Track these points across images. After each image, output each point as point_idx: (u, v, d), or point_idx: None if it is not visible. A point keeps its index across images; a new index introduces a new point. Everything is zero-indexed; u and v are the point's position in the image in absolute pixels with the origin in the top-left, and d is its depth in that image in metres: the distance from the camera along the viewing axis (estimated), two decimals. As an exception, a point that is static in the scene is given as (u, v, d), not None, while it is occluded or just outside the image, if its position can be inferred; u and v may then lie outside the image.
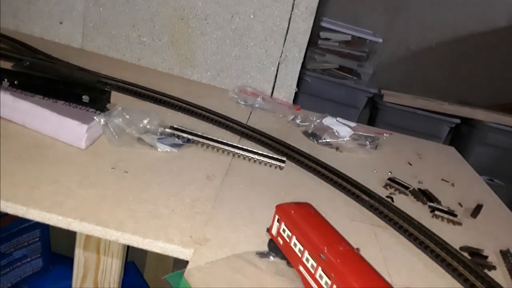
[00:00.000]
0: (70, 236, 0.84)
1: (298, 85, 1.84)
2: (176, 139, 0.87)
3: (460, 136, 2.43)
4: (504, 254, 0.79)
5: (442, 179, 1.08)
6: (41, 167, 0.68)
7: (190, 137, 0.89)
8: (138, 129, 0.82)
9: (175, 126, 0.90)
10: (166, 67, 1.36)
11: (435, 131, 2.31)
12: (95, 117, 0.80)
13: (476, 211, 0.93)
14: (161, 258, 1.36)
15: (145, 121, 0.84)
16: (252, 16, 1.27)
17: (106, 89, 0.92)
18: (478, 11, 2.42)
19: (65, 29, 1.36)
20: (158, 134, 0.85)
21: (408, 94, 2.39)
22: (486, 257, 0.75)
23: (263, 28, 1.28)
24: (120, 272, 0.84)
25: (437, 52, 2.52)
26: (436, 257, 0.70)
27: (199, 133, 0.91)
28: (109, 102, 0.92)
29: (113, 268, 0.83)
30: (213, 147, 0.90)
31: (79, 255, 0.82)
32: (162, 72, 1.37)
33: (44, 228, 1.28)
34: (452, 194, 1.01)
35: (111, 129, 0.79)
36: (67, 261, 0.96)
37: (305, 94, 2.20)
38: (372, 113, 2.46)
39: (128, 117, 0.81)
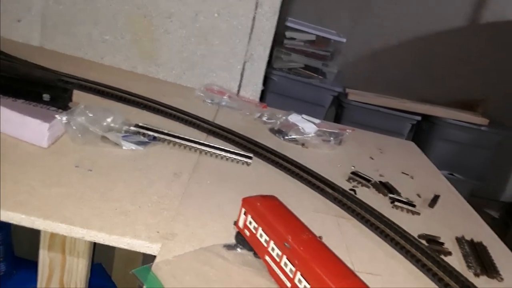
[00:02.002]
0: (33, 240, 0.83)
1: (265, 84, 1.86)
2: (142, 137, 0.86)
3: (421, 132, 2.53)
4: (459, 240, 0.83)
5: (402, 172, 1.13)
6: (2, 167, 0.66)
7: (156, 135, 0.89)
8: (102, 127, 0.81)
9: (140, 124, 0.89)
10: (130, 66, 1.35)
11: (398, 127, 2.40)
12: (57, 116, 0.78)
13: (433, 201, 0.98)
14: (129, 260, 1.34)
15: (109, 119, 0.83)
16: (216, 15, 1.28)
17: (67, 87, 0.90)
18: (437, 12, 2.52)
19: (24, 28, 1.32)
20: (123, 132, 0.85)
21: (371, 92, 2.46)
22: (443, 243, 0.80)
23: (227, 27, 1.29)
24: (86, 272, 0.83)
25: (398, 51, 2.61)
26: (395, 244, 0.73)
27: (165, 131, 0.91)
28: (71, 100, 0.90)
29: (79, 268, 0.81)
30: (180, 144, 0.90)
31: (44, 256, 0.80)
32: (126, 71, 1.35)
33: (6, 232, 1.24)
34: (411, 186, 1.06)
35: (74, 128, 0.78)
36: (31, 265, 0.93)
37: (273, 93, 2.23)
38: (338, 112, 2.52)
39: (91, 115, 0.80)
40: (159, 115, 1.04)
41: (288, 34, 2.23)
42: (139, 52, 1.31)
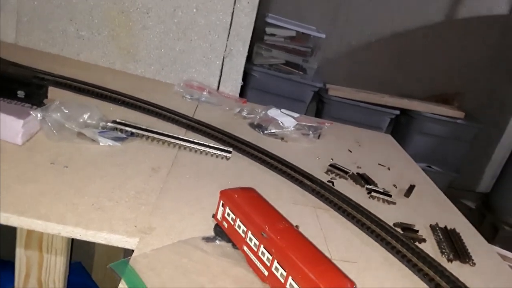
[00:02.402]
0: (10, 239, 0.81)
1: (246, 81, 1.86)
2: (119, 133, 0.86)
3: (400, 126, 2.58)
4: (433, 228, 0.86)
5: (379, 164, 1.15)
6: (-27, 164, 0.65)
7: (133, 130, 0.88)
8: (78, 123, 0.80)
9: (117, 120, 0.89)
10: (107, 62, 1.33)
11: (377, 122, 2.44)
12: (31, 112, 0.77)
13: (409, 191, 1.00)
14: (110, 258, 1.33)
15: (85, 116, 0.82)
16: (194, 10, 1.27)
17: (42, 84, 0.89)
18: (414, 8, 2.57)
19: (-3, 24, 1.29)
20: (100, 128, 0.84)
21: (351, 87, 2.49)
22: (417, 231, 0.82)
23: (206, 22, 1.29)
24: (64, 270, 0.82)
25: (376, 47, 2.65)
26: (371, 232, 0.75)
27: (143, 127, 0.90)
28: (46, 97, 0.89)
29: (57, 265, 0.81)
30: (158, 140, 0.90)
31: (21, 254, 0.79)
32: (103, 67, 1.34)
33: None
34: (388, 177, 1.08)
35: (49, 124, 0.77)
36: (8, 266, 0.92)
37: (254, 89, 2.24)
38: (318, 107, 2.54)
39: (66, 111, 0.80)
40: (137, 111, 1.04)
41: (268, 30, 2.23)
42: (116, 48, 1.30)
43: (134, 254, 0.57)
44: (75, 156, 0.76)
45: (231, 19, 1.29)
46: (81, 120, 0.82)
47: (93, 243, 1.18)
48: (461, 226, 0.90)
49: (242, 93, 1.43)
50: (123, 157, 0.80)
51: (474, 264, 0.76)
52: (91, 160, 0.76)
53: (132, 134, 0.88)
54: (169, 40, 1.31)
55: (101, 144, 0.81)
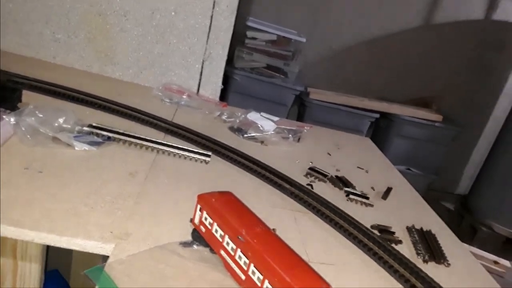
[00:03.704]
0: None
1: (228, 84, 1.86)
2: (95, 137, 0.85)
3: (380, 129, 2.62)
4: (409, 229, 0.87)
5: (358, 167, 1.17)
6: None
7: (110, 134, 0.87)
8: (53, 128, 0.79)
9: (94, 124, 0.87)
10: (84, 65, 1.31)
11: (358, 125, 2.47)
12: (4, 117, 0.75)
13: (386, 193, 1.02)
14: (87, 265, 1.30)
15: (61, 120, 0.81)
16: (173, 13, 1.27)
17: (16, 87, 0.87)
18: (392, 12, 2.62)
19: (-30, 26, 1.26)
20: (75, 132, 0.83)
21: (332, 91, 2.52)
22: (393, 233, 0.83)
23: (185, 25, 1.29)
24: (40, 278, 0.80)
25: (356, 51, 2.69)
26: (349, 235, 0.76)
27: (120, 131, 0.89)
28: (20, 101, 0.87)
29: (32, 273, 0.78)
30: (136, 144, 0.89)
31: (-7, 263, 0.77)
32: (80, 70, 1.32)
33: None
34: (366, 179, 1.10)
35: (23, 129, 0.76)
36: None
37: (236, 93, 2.24)
38: (300, 110, 2.56)
39: (41, 116, 0.78)
40: (115, 114, 1.02)
41: (249, 33, 2.24)
42: (93, 51, 1.28)
43: (109, 260, 0.56)
44: (50, 161, 0.75)
45: (210, 23, 1.29)
46: (56, 124, 0.80)
47: (71, 251, 1.16)
48: (437, 228, 0.92)
49: (224, 97, 1.43)
50: (99, 162, 0.79)
51: (449, 264, 0.78)
52: (66, 165, 0.75)
53: (108, 138, 0.87)
54: (147, 43, 1.30)
55: (76, 148, 0.80)
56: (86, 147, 0.80)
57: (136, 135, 0.90)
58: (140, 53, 1.31)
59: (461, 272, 0.78)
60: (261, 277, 0.50)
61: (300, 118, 2.50)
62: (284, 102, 2.34)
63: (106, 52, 1.30)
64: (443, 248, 0.83)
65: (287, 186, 0.89)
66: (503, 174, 2.41)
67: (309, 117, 2.41)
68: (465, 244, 0.94)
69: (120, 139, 0.88)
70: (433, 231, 0.89)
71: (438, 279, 0.69)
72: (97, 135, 0.86)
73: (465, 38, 2.72)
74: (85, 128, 0.85)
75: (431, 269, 0.73)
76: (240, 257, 0.54)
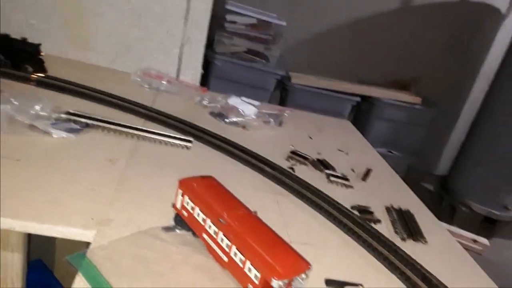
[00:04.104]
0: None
1: (209, 69, 1.84)
2: (73, 124, 0.83)
3: (361, 113, 2.65)
4: (388, 209, 0.90)
5: (338, 150, 1.18)
6: None
7: (88, 121, 0.86)
8: (30, 115, 0.77)
9: (71, 111, 0.86)
10: (59, 51, 1.28)
11: (339, 109, 2.49)
12: (-22, 105, 0.74)
13: (365, 175, 1.04)
14: (71, 254, 1.30)
15: (37, 107, 0.79)
16: (149, -4, 1.24)
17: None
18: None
19: None
20: (52, 120, 0.81)
21: (313, 75, 2.53)
22: (373, 213, 0.85)
23: (162, 8, 1.26)
24: (22, 267, 0.79)
25: (336, 35, 2.69)
26: (329, 216, 0.78)
27: (99, 117, 0.88)
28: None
29: (14, 263, 0.78)
30: (115, 130, 0.88)
31: (-28, 254, 0.76)
32: (55, 56, 1.28)
33: None
34: (346, 162, 1.11)
35: (-2, 117, 0.74)
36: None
37: (217, 78, 2.22)
38: (282, 95, 2.56)
39: (16, 103, 0.76)
40: (93, 101, 1.01)
41: (228, 17, 2.21)
42: (68, 36, 1.25)
43: (91, 246, 0.56)
44: (28, 149, 0.73)
45: (188, 6, 1.27)
46: (33, 112, 0.79)
47: (54, 240, 1.15)
48: (415, 207, 0.95)
49: (205, 82, 1.42)
50: (78, 149, 0.78)
51: (426, 242, 0.81)
52: (44, 153, 0.74)
53: (87, 125, 0.86)
54: (124, 27, 1.27)
55: (54, 136, 0.79)
56: (64, 134, 0.79)
57: (115, 121, 0.89)
58: (116, 37, 1.28)
59: (438, 249, 0.81)
60: (243, 258, 0.51)
61: (282, 103, 2.51)
62: (266, 86, 2.34)
63: (81, 37, 1.26)
64: (421, 227, 0.85)
65: (269, 169, 0.90)
66: (481, 154, 2.48)
67: (291, 102, 2.41)
68: (444, 223, 0.96)
69: (99, 126, 0.87)
70: (411, 211, 0.91)
71: (415, 256, 0.71)
72: (75, 122, 0.85)
73: (442, 20, 2.75)
74: (63, 115, 0.84)
75: (408, 247, 0.76)
76: (222, 240, 0.55)
